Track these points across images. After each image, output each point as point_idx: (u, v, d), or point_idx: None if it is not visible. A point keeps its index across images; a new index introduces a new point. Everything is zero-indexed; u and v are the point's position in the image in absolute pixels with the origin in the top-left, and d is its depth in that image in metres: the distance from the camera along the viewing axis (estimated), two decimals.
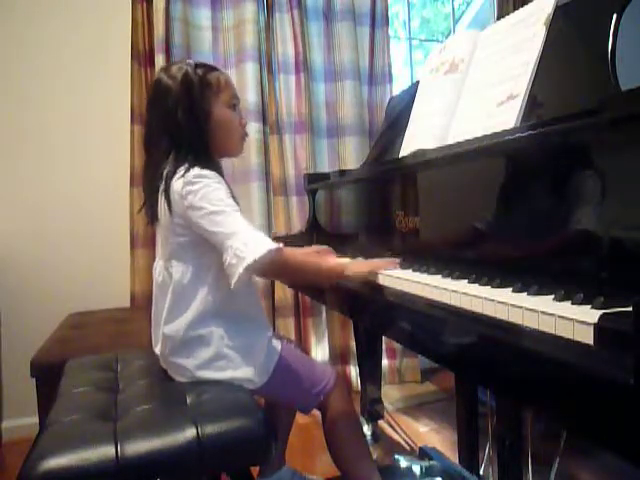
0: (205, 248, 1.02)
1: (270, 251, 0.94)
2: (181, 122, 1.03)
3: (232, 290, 1.01)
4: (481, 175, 0.94)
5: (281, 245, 0.98)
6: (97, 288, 2.10)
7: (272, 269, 0.99)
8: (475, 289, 0.76)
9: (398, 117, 1.55)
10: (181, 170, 1.00)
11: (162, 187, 1.01)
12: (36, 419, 1.37)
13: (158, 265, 1.09)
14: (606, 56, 0.83)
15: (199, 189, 0.97)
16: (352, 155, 2.34)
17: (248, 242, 0.93)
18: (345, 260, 1.12)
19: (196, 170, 0.99)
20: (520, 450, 1.21)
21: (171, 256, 1.05)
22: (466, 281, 0.83)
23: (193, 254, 1.03)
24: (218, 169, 1.07)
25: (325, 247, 1.36)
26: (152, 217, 1.07)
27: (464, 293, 0.74)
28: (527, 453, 1.30)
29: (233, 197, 1.03)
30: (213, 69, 1.11)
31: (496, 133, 0.91)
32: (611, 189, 0.68)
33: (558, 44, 0.95)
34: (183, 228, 1.02)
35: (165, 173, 1.01)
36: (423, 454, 1.57)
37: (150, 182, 1.06)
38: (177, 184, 0.99)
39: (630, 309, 0.49)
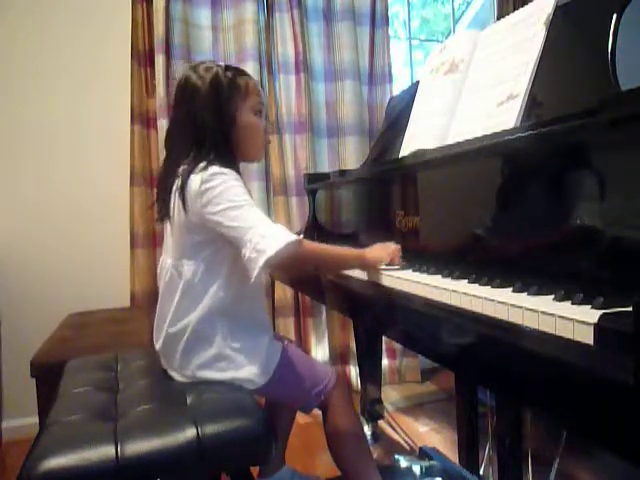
0: (217, 247, 1.02)
1: (289, 243, 0.93)
2: (206, 123, 1.02)
3: (241, 291, 1.02)
4: (481, 175, 0.94)
5: (301, 237, 0.99)
6: (97, 288, 2.10)
7: (292, 262, 0.99)
8: (475, 289, 0.76)
9: (398, 117, 1.55)
10: (199, 169, 0.99)
11: (178, 184, 1.01)
12: (36, 419, 1.37)
13: (166, 263, 1.08)
14: (606, 56, 0.83)
15: (217, 185, 0.97)
16: (352, 155, 2.34)
17: (267, 235, 0.93)
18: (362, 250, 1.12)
19: (214, 168, 0.99)
20: (520, 450, 1.21)
21: (182, 255, 1.04)
22: (466, 281, 0.83)
23: (205, 253, 1.03)
24: (237, 171, 1.06)
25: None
26: (164, 214, 1.07)
27: (464, 293, 0.74)
28: (527, 453, 1.30)
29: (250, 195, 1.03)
30: (242, 73, 1.11)
31: (496, 133, 0.91)
32: (611, 189, 0.68)
33: (558, 44, 0.95)
34: (197, 226, 1.01)
35: (181, 171, 1.01)
36: (423, 454, 1.58)
37: (166, 179, 1.06)
38: (194, 182, 0.98)
39: (630, 309, 0.49)
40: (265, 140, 1.16)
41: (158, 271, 1.12)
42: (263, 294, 1.18)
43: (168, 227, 1.09)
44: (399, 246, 1.10)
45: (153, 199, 1.14)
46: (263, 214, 0.98)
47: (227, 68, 1.08)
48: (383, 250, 1.08)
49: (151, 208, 1.16)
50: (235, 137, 1.07)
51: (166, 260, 1.09)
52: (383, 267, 1.06)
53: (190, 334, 1.02)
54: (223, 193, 0.97)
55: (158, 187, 1.11)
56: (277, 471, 1.31)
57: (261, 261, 0.91)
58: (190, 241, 1.03)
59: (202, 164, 1.00)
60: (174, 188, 1.02)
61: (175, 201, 1.02)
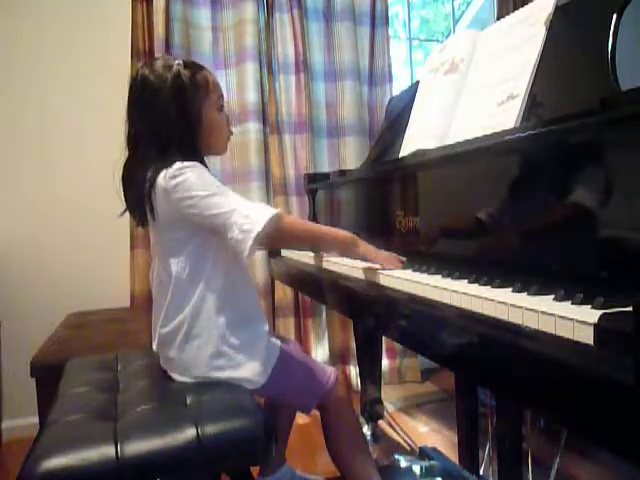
0: (199, 241, 1.02)
1: (272, 217, 0.96)
2: (170, 123, 1.01)
3: (228, 282, 1.02)
4: (481, 175, 0.94)
5: (280, 210, 0.99)
6: (97, 288, 2.10)
7: (279, 234, 1.01)
8: (475, 289, 0.76)
9: (398, 117, 1.55)
10: (164, 169, 0.99)
11: (147, 187, 1.00)
12: (36, 419, 1.37)
13: (155, 265, 1.09)
14: (606, 56, 0.83)
15: (186, 179, 0.97)
16: (352, 155, 2.34)
17: (250, 214, 0.95)
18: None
19: (177, 164, 0.98)
20: (520, 450, 1.21)
21: (168, 254, 1.04)
22: (466, 281, 0.83)
23: (188, 249, 1.02)
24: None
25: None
26: (140, 219, 1.06)
27: (464, 293, 0.74)
28: (527, 453, 1.30)
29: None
30: (201, 68, 1.09)
31: (496, 133, 0.91)
32: (611, 189, 0.68)
33: (558, 44, 0.95)
34: (174, 224, 1.01)
35: (150, 173, 1.00)
36: (423, 454, 1.57)
37: (136, 184, 1.03)
38: (162, 181, 0.98)
39: (630, 309, 0.49)
40: (228, 134, 1.14)
41: (150, 274, 1.12)
42: (255, 292, 1.18)
43: (150, 229, 1.08)
44: (391, 256, 1.09)
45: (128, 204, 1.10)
46: (238, 195, 1.00)
47: (185, 64, 1.05)
48: (375, 253, 1.08)
49: (121, 215, 1.12)
50: (200, 135, 1.06)
51: (155, 262, 1.09)
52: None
53: (184, 333, 1.02)
54: (194, 185, 0.97)
55: (128, 193, 1.07)
56: (277, 471, 1.31)
57: (250, 240, 0.93)
58: (171, 239, 1.03)
59: (167, 164, 0.99)
60: (145, 192, 1.00)
61: (148, 204, 1.01)
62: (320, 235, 1.11)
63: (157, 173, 0.99)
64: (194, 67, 1.07)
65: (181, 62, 1.05)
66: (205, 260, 1.03)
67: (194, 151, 1.05)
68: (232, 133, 1.16)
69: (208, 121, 1.06)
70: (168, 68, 1.03)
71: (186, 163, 0.99)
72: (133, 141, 1.06)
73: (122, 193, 1.08)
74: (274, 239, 1.05)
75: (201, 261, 1.03)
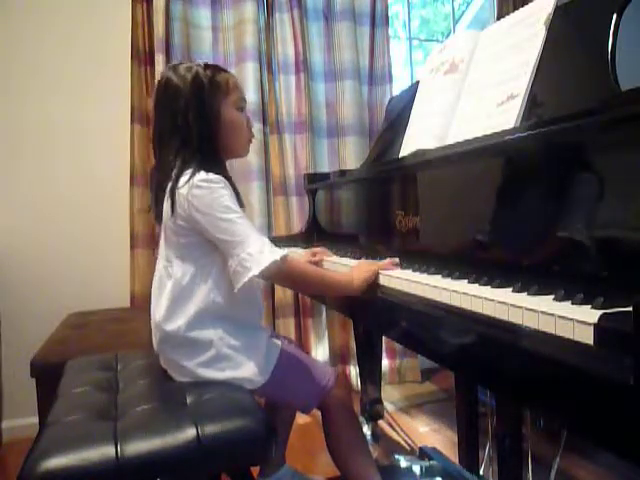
0: (207, 249, 1.02)
1: (274, 262, 0.95)
2: (190, 123, 1.03)
3: (233, 292, 1.02)
4: (481, 175, 0.94)
5: (285, 253, 0.99)
6: (97, 288, 2.10)
7: (277, 279, 1.04)
8: (475, 289, 0.76)
9: (398, 117, 1.55)
10: (187, 173, 1.00)
11: (169, 188, 1.02)
12: (36, 419, 1.37)
13: (159, 264, 1.09)
14: (606, 56, 0.83)
15: (205, 195, 0.98)
16: (352, 155, 2.34)
17: (254, 253, 0.95)
18: (346, 270, 1.12)
19: (202, 174, 0.99)
20: (520, 450, 1.21)
21: (173, 255, 1.05)
22: (466, 281, 0.83)
23: (195, 255, 1.03)
24: (224, 171, 1.07)
25: (321, 249, 1.38)
26: (159, 215, 1.08)
27: (464, 293, 0.74)
28: (527, 453, 1.30)
29: (239, 199, 1.04)
30: (222, 70, 1.11)
31: (496, 133, 0.91)
32: (611, 189, 0.68)
33: (558, 44, 0.95)
34: (185, 230, 1.02)
35: (173, 174, 1.02)
36: (423, 454, 1.58)
37: (159, 181, 1.06)
38: (183, 188, 0.99)
39: (630, 309, 0.49)
40: (249, 135, 1.16)
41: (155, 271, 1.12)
42: (258, 295, 1.18)
43: (162, 228, 1.09)
44: (385, 262, 1.09)
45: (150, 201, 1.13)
46: (250, 226, 0.99)
47: (206, 66, 1.08)
48: (368, 269, 1.07)
49: (148, 211, 1.15)
50: (220, 134, 1.07)
51: (159, 261, 1.10)
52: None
53: (185, 334, 1.02)
54: (213, 203, 0.98)
55: (152, 190, 1.10)
56: (277, 471, 1.31)
57: (246, 277, 0.95)
58: (179, 243, 1.04)
59: (190, 169, 1.00)
60: (167, 191, 1.02)
61: (166, 203, 1.03)
62: (320, 280, 1.10)
63: (179, 175, 1.01)
64: (215, 68, 1.10)
65: (202, 64, 1.08)
66: (209, 269, 1.04)
67: (214, 152, 1.06)
68: (253, 135, 1.18)
69: (227, 120, 1.08)
70: (189, 69, 1.06)
71: (210, 176, 1.00)
72: (158, 141, 1.09)
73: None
74: (274, 281, 1.06)
75: (205, 269, 1.04)
